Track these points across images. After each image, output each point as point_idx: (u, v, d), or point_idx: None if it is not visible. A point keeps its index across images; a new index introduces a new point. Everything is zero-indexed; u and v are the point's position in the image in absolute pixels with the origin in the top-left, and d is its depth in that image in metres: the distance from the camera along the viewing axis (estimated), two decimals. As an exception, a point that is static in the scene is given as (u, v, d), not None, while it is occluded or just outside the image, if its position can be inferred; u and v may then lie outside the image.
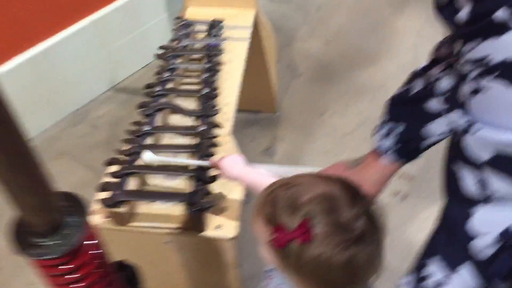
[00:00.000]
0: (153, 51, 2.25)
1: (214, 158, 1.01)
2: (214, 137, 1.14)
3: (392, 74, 2.21)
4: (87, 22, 1.90)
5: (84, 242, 0.62)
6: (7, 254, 1.60)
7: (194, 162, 1.07)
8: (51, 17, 1.83)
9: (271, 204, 0.68)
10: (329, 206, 0.65)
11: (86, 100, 2.08)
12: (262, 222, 0.69)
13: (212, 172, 1.05)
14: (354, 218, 0.65)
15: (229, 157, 0.96)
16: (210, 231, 1.04)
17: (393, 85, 2.42)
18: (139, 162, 1.12)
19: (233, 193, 1.09)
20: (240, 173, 0.92)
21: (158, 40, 2.24)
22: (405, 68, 2.20)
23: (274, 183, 0.72)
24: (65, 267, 0.62)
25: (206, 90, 1.24)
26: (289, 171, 0.82)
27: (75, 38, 1.89)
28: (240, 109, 1.37)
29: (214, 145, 1.12)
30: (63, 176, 1.82)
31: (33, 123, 1.92)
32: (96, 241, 0.66)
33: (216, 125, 1.16)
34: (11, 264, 1.58)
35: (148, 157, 1.01)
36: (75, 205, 0.61)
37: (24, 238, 0.59)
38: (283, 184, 0.70)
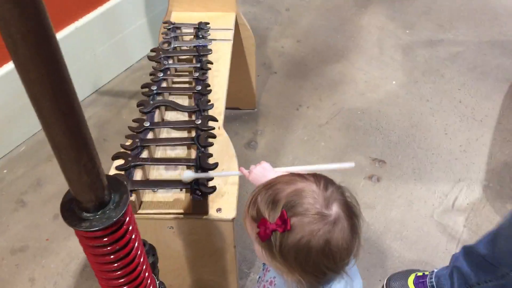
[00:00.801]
0: (133, 54, 2.33)
1: (244, 169, 1.05)
2: (211, 129, 1.25)
3: (360, 68, 2.36)
4: (71, 29, 1.96)
5: (124, 218, 0.73)
6: (7, 252, 1.66)
7: (226, 173, 1.17)
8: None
9: (256, 204, 0.78)
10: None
11: (72, 104, 2.13)
12: (249, 220, 0.79)
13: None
14: (327, 206, 0.74)
15: (259, 167, 0.97)
16: (211, 214, 1.15)
17: (362, 78, 2.57)
18: (143, 155, 1.22)
19: (230, 179, 1.21)
20: None
21: (138, 44, 2.33)
22: (371, 62, 2.37)
23: (258, 186, 0.82)
24: (107, 238, 0.72)
25: (199, 87, 1.34)
26: (309, 169, 0.92)
27: (60, 45, 1.95)
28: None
29: (211, 136, 1.23)
30: (55, 178, 1.89)
31: (23, 128, 1.98)
32: (132, 218, 0.77)
33: (212, 118, 1.26)
34: (12, 262, 1.64)
35: (187, 175, 1.10)
36: (117, 185, 0.72)
37: (74, 213, 0.69)
38: (265, 185, 0.80)
